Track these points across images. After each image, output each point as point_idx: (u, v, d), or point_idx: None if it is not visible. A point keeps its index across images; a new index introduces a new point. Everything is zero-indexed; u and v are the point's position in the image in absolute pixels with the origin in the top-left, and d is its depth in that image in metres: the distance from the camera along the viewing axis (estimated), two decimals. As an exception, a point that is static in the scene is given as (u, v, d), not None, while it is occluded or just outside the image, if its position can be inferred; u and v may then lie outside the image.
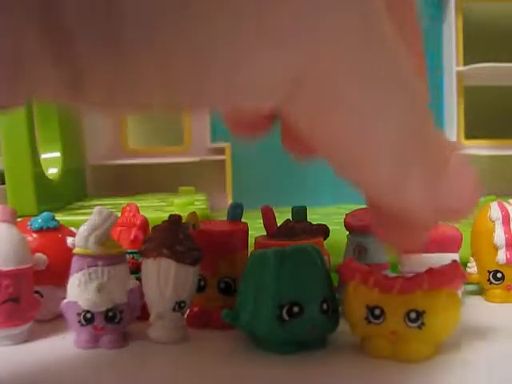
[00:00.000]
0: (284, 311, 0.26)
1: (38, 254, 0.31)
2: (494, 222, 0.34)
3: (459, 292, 0.28)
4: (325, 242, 0.35)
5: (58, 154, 0.51)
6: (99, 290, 0.28)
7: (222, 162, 0.62)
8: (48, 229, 0.32)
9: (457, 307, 0.26)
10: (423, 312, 0.25)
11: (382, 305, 0.26)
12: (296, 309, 0.26)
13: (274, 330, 0.26)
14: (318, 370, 0.25)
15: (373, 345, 0.26)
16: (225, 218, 0.33)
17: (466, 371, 0.25)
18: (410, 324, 0.25)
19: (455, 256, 0.33)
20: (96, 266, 0.28)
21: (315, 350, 0.27)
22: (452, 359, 0.26)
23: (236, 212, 0.33)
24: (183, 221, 0.29)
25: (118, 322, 0.28)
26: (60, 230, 0.33)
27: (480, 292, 0.36)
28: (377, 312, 0.26)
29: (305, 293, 0.26)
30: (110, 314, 0.28)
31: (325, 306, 0.27)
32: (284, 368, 0.25)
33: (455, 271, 0.26)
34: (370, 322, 0.26)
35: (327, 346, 0.28)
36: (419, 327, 0.25)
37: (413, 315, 0.25)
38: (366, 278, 0.27)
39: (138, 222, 0.34)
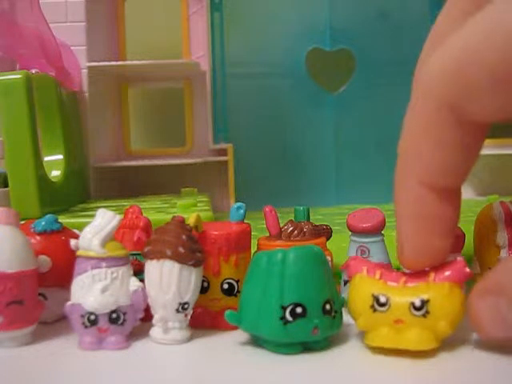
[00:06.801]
0: (287, 312, 0.26)
1: (42, 257, 0.31)
2: (496, 221, 0.34)
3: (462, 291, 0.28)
4: (327, 242, 0.35)
5: (60, 157, 0.51)
6: (103, 291, 0.28)
7: (225, 163, 0.62)
8: (51, 231, 0.32)
9: (460, 299, 0.26)
10: (428, 300, 0.25)
11: (388, 293, 0.26)
12: (299, 310, 0.26)
13: (277, 330, 0.26)
14: (320, 371, 0.25)
15: (377, 333, 0.26)
16: (227, 219, 0.33)
17: (469, 369, 0.25)
18: (415, 312, 0.26)
19: (458, 256, 0.33)
20: (100, 267, 0.28)
21: (318, 351, 0.27)
22: (454, 358, 0.26)
23: (239, 213, 0.33)
24: (186, 222, 0.30)
25: (121, 323, 0.28)
26: (63, 232, 0.33)
27: (483, 291, 0.36)
28: (382, 299, 0.26)
29: (308, 294, 0.26)
30: (114, 315, 0.28)
31: (328, 307, 0.27)
32: (287, 369, 0.26)
33: (460, 268, 0.26)
34: (375, 311, 0.26)
35: (330, 347, 0.28)
36: (424, 315, 0.25)
37: (418, 303, 0.25)
38: (372, 270, 0.27)
39: (141, 224, 0.34)
